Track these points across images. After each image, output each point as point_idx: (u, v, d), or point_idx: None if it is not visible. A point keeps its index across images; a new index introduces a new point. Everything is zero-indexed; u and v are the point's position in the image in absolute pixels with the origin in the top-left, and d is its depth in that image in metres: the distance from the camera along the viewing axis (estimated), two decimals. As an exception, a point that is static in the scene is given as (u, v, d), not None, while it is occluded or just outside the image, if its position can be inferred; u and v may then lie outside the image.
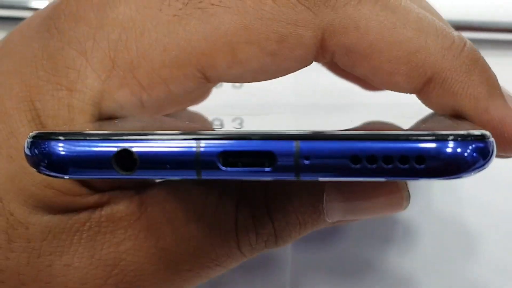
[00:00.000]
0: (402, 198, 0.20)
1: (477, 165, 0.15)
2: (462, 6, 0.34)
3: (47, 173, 0.15)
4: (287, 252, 0.28)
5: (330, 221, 0.21)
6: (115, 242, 0.19)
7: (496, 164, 0.23)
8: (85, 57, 0.18)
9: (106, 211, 0.19)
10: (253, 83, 0.20)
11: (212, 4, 0.18)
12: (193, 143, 0.15)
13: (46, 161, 0.15)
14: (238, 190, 0.20)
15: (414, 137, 0.15)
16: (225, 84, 0.35)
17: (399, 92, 0.19)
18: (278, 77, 0.19)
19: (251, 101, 0.35)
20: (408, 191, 0.21)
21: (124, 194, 0.19)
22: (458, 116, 0.19)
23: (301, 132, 0.15)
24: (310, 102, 0.34)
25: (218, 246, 0.20)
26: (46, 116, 0.18)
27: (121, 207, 0.19)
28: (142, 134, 0.15)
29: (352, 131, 0.15)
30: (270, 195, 0.20)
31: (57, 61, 0.18)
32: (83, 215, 0.19)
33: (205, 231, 0.19)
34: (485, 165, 0.15)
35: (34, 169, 0.16)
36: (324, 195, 0.20)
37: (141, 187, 0.20)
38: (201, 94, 0.22)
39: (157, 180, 0.20)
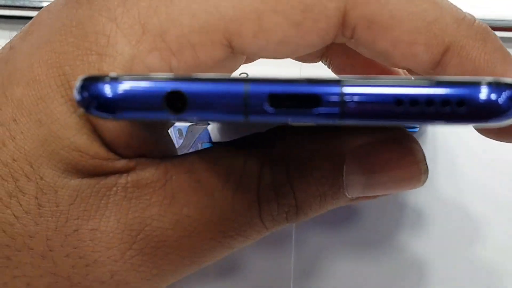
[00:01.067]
0: (421, 171, 0.21)
1: (511, 111, 0.15)
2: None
3: (98, 114, 0.16)
4: (291, 235, 0.29)
5: (349, 196, 0.21)
6: (141, 208, 0.19)
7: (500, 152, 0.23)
8: (115, 23, 0.18)
9: (132, 177, 0.19)
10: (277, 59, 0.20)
11: None
12: (241, 85, 0.16)
13: (97, 101, 0.16)
14: (260, 160, 0.20)
15: (453, 83, 0.15)
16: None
17: (417, 66, 0.20)
18: (301, 54, 0.20)
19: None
20: (427, 164, 0.21)
21: (150, 161, 0.20)
22: None
23: (346, 77, 0.16)
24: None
25: (240, 214, 0.20)
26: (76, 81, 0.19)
27: (147, 174, 0.20)
28: (192, 77, 0.16)
29: (395, 77, 0.16)
30: (292, 164, 0.20)
31: (86, 27, 0.19)
32: (110, 180, 0.19)
33: (228, 200, 0.20)
34: None
35: (85, 111, 0.16)
36: (344, 167, 0.21)
37: (167, 156, 0.20)
38: (224, 72, 0.23)
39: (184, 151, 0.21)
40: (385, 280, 0.29)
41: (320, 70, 0.28)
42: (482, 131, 0.21)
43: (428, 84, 0.15)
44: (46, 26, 0.20)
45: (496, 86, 0.15)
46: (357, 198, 0.22)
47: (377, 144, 0.21)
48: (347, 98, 0.15)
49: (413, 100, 0.15)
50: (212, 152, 0.21)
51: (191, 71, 0.19)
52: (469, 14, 0.19)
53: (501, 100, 0.15)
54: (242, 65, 0.35)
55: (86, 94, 0.16)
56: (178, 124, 0.31)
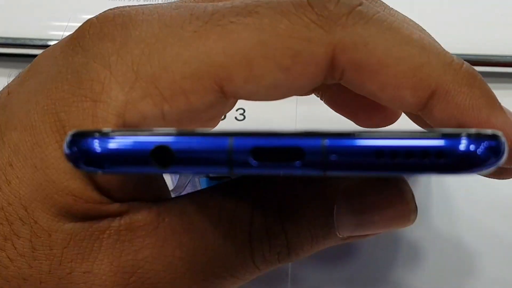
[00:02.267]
0: (410, 210, 0.21)
1: (490, 162, 0.16)
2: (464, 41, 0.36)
3: (86, 168, 0.16)
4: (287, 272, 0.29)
5: (340, 236, 0.22)
6: (133, 250, 0.20)
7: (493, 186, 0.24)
8: (109, 70, 0.19)
9: (125, 220, 0.20)
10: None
11: (231, 22, 0.19)
12: (226, 139, 0.16)
13: (85, 157, 0.16)
14: (252, 201, 0.21)
15: (432, 135, 0.16)
16: (228, 116, 0.36)
17: (405, 109, 0.20)
18: (291, 95, 0.20)
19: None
20: (415, 203, 0.21)
21: (143, 205, 0.20)
22: None
23: (328, 130, 0.16)
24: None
25: (232, 255, 0.20)
26: (71, 126, 0.19)
27: (139, 217, 0.20)
28: (178, 131, 0.17)
29: (375, 130, 0.16)
30: (283, 205, 0.21)
31: (81, 74, 0.19)
32: (103, 223, 0.19)
33: (220, 241, 0.20)
34: (496, 163, 0.16)
35: (73, 166, 0.17)
36: (335, 208, 0.21)
37: (160, 199, 0.21)
38: (216, 114, 0.23)
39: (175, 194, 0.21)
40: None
41: (315, 105, 0.28)
42: None
43: (408, 136, 0.16)
44: (42, 72, 0.20)
45: (475, 138, 0.16)
46: (348, 237, 0.22)
47: (367, 184, 0.21)
48: (329, 151, 0.16)
49: (394, 152, 0.16)
50: (204, 195, 0.21)
51: (184, 116, 0.20)
52: (458, 58, 0.20)
53: (479, 151, 0.15)
54: (239, 101, 0.36)
55: (75, 149, 0.16)
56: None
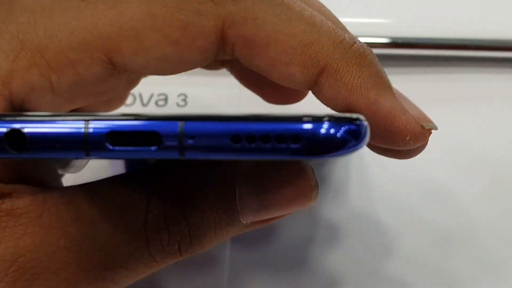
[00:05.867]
0: (311, 186, 0.21)
1: (349, 145, 0.16)
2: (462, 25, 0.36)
3: None
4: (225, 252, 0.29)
5: (244, 221, 0.21)
6: (14, 238, 0.19)
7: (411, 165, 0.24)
8: None
9: (6, 205, 0.19)
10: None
11: None
12: (81, 124, 0.16)
13: None
14: (150, 188, 0.20)
15: (291, 119, 0.16)
16: (170, 102, 0.36)
17: (296, 86, 0.20)
18: (182, 71, 0.20)
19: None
20: (316, 180, 0.21)
21: (28, 190, 0.19)
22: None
23: (185, 113, 0.16)
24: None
25: (124, 245, 0.20)
26: None
27: (22, 203, 0.19)
28: (33, 115, 0.16)
29: (234, 113, 0.16)
30: (183, 191, 0.20)
31: None
32: None
33: (110, 231, 0.19)
34: (357, 146, 0.16)
35: None
36: (237, 191, 0.21)
37: (48, 184, 0.20)
38: (112, 89, 0.23)
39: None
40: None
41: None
42: (376, 151, 0.21)
43: (266, 120, 0.16)
44: None
45: (335, 121, 0.15)
46: (252, 224, 0.22)
47: (267, 163, 0.21)
48: (185, 135, 0.16)
49: (250, 136, 0.16)
50: (96, 184, 0.20)
51: (74, 88, 0.20)
52: (350, 37, 0.20)
53: (339, 134, 0.15)
54: (180, 86, 0.36)
55: None
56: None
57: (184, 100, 0.36)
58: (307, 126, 0.16)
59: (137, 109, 0.36)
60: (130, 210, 0.20)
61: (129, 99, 0.35)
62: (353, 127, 0.16)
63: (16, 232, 0.19)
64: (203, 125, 0.16)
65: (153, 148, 0.16)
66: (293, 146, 0.16)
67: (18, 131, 0.16)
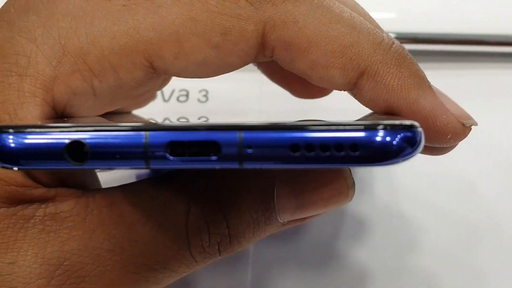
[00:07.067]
0: (348, 186, 0.21)
1: (406, 152, 0.16)
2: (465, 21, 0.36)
3: (1, 165, 0.16)
4: (250, 248, 0.29)
5: (281, 220, 0.21)
6: (59, 242, 0.19)
7: (436, 161, 0.24)
8: (35, 44, 0.19)
9: (50, 209, 0.19)
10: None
11: None
12: (142, 134, 0.16)
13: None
14: (189, 190, 0.20)
15: (349, 127, 0.16)
16: (190, 98, 0.36)
17: (335, 88, 0.20)
18: (221, 74, 0.20)
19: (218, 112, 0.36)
20: (353, 179, 0.21)
21: (71, 193, 0.19)
22: (391, 113, 0.20)
23: (243, 123, 0.16)
24: (276, 109, 0.35)
25: (166, 247, 0.20)
26: None
27: (66, 207, 0.19)
28: (93, 126, 0.16)
29: (292, 122, 0.16)
30: (222, 193, 0.20)
31: (6, 49, 0.19)
32: (27, 211, 0.19)
33: (153, 233, 0.20)
34: (413, 153, 0.16)
35: None
36: (275, 191, 0.21)
37: (89, 187, 0.20)
38: (149, 90, 0.23)
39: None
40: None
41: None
42: None
43: (324, 129, 0.16)
44: None
45: (391, 129, 0.16)
46: (288, 222, 0.22)
47: None
48: (244, 145, 0.16)
49: (309, 145, 0.16)
50: (136, 186, 0.20)
51: (115, 92, 0.20)
52: (388, 38, 0.20)
53: (396, 142, 0.15)
54: (201, 81, 0.36)
55: None
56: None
57: (205, 96, 0.36)
58: (365, 134, 0.16)
59: (159, 105, 0.36)
60: (171, 212, 0.20)
61: (151, 96, 0.35)
62: (409, 134, 0.16)
63: (60, 236, 0.19)
64: (262, 134, 0.16)
65: (213, 157, 0.16)
66: (351, 154, 0.16)
67: (79, 143, 0.16)
